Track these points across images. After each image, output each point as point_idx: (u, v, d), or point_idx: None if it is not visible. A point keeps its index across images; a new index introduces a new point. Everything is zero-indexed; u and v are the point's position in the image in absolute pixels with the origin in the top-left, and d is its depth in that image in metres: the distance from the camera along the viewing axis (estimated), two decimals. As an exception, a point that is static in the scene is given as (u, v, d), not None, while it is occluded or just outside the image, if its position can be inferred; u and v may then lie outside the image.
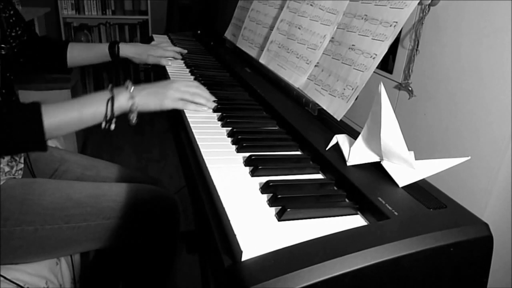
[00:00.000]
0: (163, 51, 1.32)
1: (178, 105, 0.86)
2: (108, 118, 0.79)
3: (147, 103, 0.83)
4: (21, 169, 0.96)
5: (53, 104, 0.76)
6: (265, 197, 0.56)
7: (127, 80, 0.84)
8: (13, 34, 1.07)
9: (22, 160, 0.97)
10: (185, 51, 1.41)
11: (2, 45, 0.89)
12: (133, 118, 0.83)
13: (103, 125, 0.79)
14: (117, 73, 3.72)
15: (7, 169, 0.90)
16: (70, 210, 0.87)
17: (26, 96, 2.25)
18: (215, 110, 0.90)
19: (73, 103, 0.78)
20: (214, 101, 0.91)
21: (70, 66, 1.23)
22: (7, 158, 0.91)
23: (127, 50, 1.27)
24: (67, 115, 0.76)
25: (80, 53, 1.23)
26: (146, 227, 0.94)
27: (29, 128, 0.72)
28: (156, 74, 1.52)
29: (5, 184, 0.87)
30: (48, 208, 0.86)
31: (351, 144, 0.64)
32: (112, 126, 0.80)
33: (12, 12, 1.05)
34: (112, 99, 0.78)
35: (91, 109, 0.78)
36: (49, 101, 0.76)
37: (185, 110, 0.86)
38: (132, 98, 0.81)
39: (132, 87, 0.82)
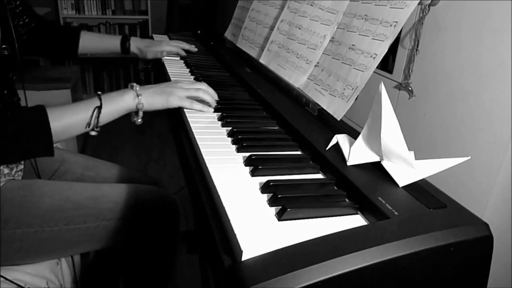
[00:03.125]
0: (166, 45, 1.34)
1: (184, 104, 0.86)
2: (91, 125, 0.78)
3: (153, 102, 0.83)
4: (21, 170, 0.96)
5: (57, 107, 0.75)
6: (265, 197, 0.56)
7: (131, 83, 0.85)
8: (21, 23, 1.08)
9: (22, 162, 0.97)
10: (195, 48, 1.41)
11: (4, 46, 0.88)
12: (139, 117, 0.83)
13: (86, 129, 0.78)
14: (117, 73, 3.72)
15: (6, 170, 0.90)
16: (70, 211, 0.87)
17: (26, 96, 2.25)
18: (215, 110, 0.90)
19: (77, 106, 0.78)
20: (216, 100, 0.91)
21: (80, 54, 1.24)
22: (6, 158, 0.91)
23: (134, 45, 1.29)
24: (73, 118, 0.76)
25: (92, 43, 1.25)
26: (146, 227, 0.94)
27: (37, 132, 0.72)
28: (156, 74, 1.52)
29: (4, 186, 0.87)
30: (47, 210, 0.86)
31: (351, 144, 0.64)
32: (93, 133, 0.79)
33: (18, 3, 1.06)
34: (99, 108, 0.77)
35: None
36: (50, 101, 0.76)
37: (185, 110, 0.86)
38: (137, 97, 0.81)
39: (137, 87, 0.83)
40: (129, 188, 0.95)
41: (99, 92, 0.81)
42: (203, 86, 0.89)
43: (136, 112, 0.83)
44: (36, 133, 0.72)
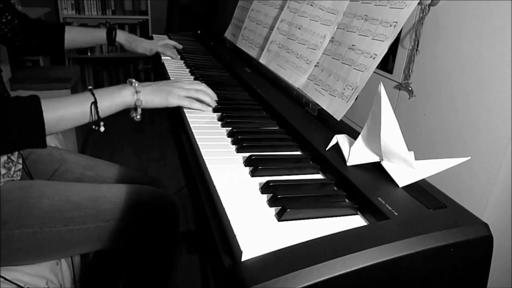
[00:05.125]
0: (159, 47, 1.39)
1: (184, 103, 0.86)
2: (93, 121, 0.77)
3: (152, 99, 0.82)
4: (19, 170, 0.96)
5: (53, 99, 0.74)
6: (265, 197, 0.56)
7: (130, 79, 0.84)
8: (3, 20, 1.08)
9: (20, 161, 0.97)
10: (180, 46, 1.45)
11: None
12: (138, 114, 0.82)
13: (84, 122, 0.77)
14: (117, 73, 3.72)
15: (4, 171, 0.89)
16: (69, 212, 0.87)
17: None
18: (215, 110, 0.89)
19: (73, 98, 0.76)
20: (215, 101, 0.91)
21: (67, 49, 1.26)
22: (3, 159, 0.90)
23: (121, 36, 1.33)
24: (68, 110, 0.74)
25: (77, 36, 1.26)
26: (145, 228, 0.94)
27: (29, 122, 0.70)
28: (156, 74, 1.52)
29: (3, 187, 0.86)
30: (47, 211, 0.85)
31: (351, 144, 0.64)
32: (102, 129, 0.78)
33: None
34: (95, 103, 0.76)
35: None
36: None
37: (185, 110, 0.86)
38: (136, 94, 0.80)
39: (137, 83, 0.82)
40: (128, 188, 0.95)
41: (90, 87, 0.79)
42: (202, 87, 0.89)
43: (135, 108, 0.81)
44: (28, 122, 0.69)
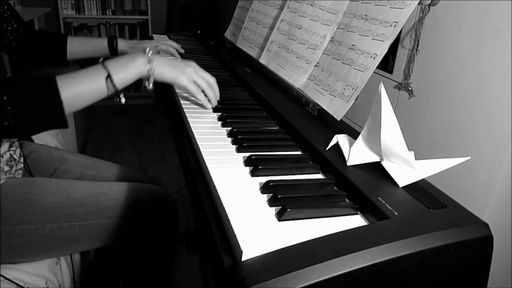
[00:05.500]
0: (155, 42, 1.36)
1: (191, 87, 0.87)
2: (112, 94, 0.76)
3: (164, 72, 0.83)
4: (20, 168, 0.96)
5: (68, 74, 0.73)
6: (265, 197, 0.56)
7: (147, 48, 0.84)
8: (9, 28, 1.08)
9: (22, 160, 0.97)
10: (182, 50, 1.43)
11: None
12: (150, 83, 0.81)
13: (115, 99, 0.77)
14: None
15: (6, 168, 0.90)
16: (70, 209, 0.87)
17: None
18: (215, 110, 0.90)
19: (87, 73, 0.75)
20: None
21: (69, 59, 1.25)
22: (6, 157, 0.91)
23: (123, 44, 1.31)
24: (84, 86, 0.73)
25: (80, 47, 1.25)
26: (145, 226, 0.95)
27: (47, 101, 0.69)
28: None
29: (5, 184, 0.87)
30: (48, 207, 0.86)
31: (351, 144, 0.64)
32: (123, 100, 0.78)
33: (5, 7, 1.06)
34: (109, 76, 0.75)
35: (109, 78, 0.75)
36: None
37: (185, 110, 0.87)
38: (150, 62, 0.81)
39: (150, 52, 0.83)
40: (129, 186, 0.96)
41: (101, 60, 0.78)
42: (213, 80, 0.90)
43: (148, 77, 0.81)
44: (46, 102, 0.69)
